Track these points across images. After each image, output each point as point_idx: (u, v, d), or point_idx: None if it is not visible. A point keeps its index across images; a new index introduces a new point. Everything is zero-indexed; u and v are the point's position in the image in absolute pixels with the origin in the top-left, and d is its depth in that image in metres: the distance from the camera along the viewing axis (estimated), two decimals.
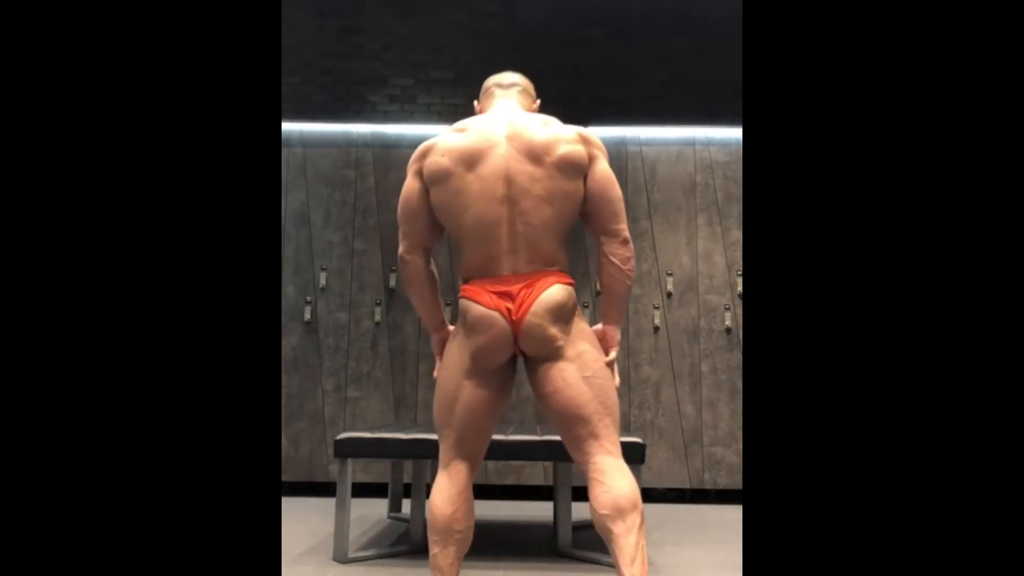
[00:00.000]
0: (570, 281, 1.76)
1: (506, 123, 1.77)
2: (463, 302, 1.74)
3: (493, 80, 1.93)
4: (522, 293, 1.71)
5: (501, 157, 1.73)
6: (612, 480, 1.65)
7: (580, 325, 1.77)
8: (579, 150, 1.75)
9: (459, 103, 5.17)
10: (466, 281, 1.79)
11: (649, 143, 4.95)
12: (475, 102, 1.94)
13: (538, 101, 1.95)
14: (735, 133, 4.96)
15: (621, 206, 1.80)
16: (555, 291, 1.71)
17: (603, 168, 1.79)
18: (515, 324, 1.70)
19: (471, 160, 1.74)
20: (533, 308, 1.69)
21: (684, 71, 5.13)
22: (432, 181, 1.77)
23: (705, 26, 5.16)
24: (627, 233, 1.80)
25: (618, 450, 1.71)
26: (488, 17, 5.23)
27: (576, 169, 1.75)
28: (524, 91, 1.91)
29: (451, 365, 1.77)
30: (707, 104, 5.08)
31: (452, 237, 1.80)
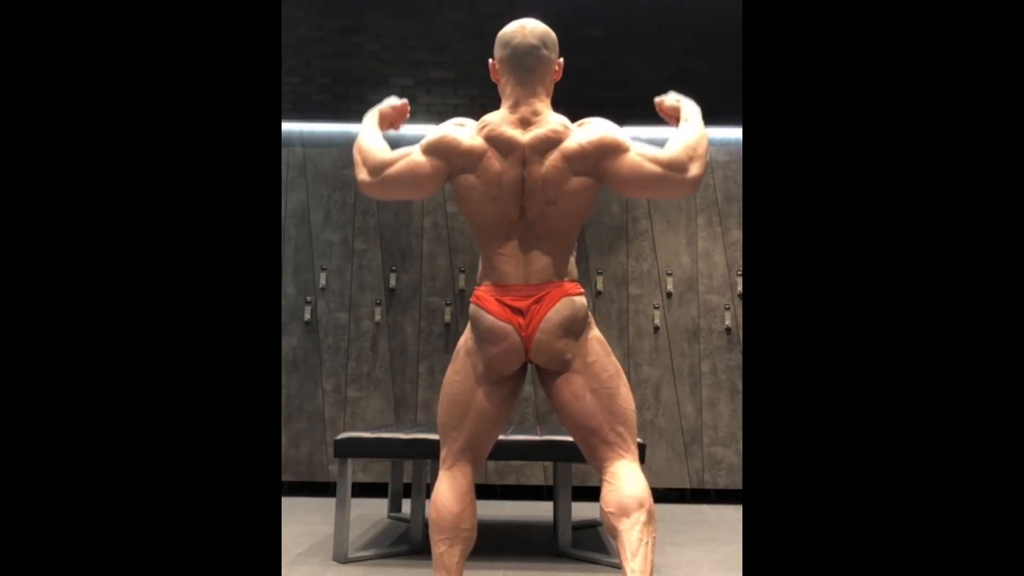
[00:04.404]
0: (580, 291, 1.76)
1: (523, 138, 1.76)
2: (475, 310, 1.75)
3: (512, 51, 1.77)
4: (532, 309, 1.71)
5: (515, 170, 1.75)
6: (620, 481, 1.66)
7: (591, 334, 1.77)
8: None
9: (459, 103, 5.17)
10: (481, 281, 1.79)
11: (649, 143, 4.94)
12: (490, 60, 1.84)
13: (560, 60, 1.83)
14: (735, 133, 4.96)
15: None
16: (564, 306, 1.72)
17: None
18: (526, 340, 1.72)
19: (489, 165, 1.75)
20: (542, 325, 1.70)
21: (684, 71, 5.13)
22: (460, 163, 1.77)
23: (705, 26, 5.16)
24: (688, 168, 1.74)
25: (632, 453, 1.72)
26: (488, 17, 5.23)
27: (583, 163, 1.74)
28: (546, 66, 1.79)
29: (463, 370, 1.77)
30: (707, 104, 5.08)
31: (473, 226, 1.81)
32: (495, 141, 1.74)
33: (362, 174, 1.80)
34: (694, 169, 1.72)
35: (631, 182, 1.74)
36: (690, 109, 1.85)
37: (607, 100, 5.07)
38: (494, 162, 1.74)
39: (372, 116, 1.92)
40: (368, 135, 1.86)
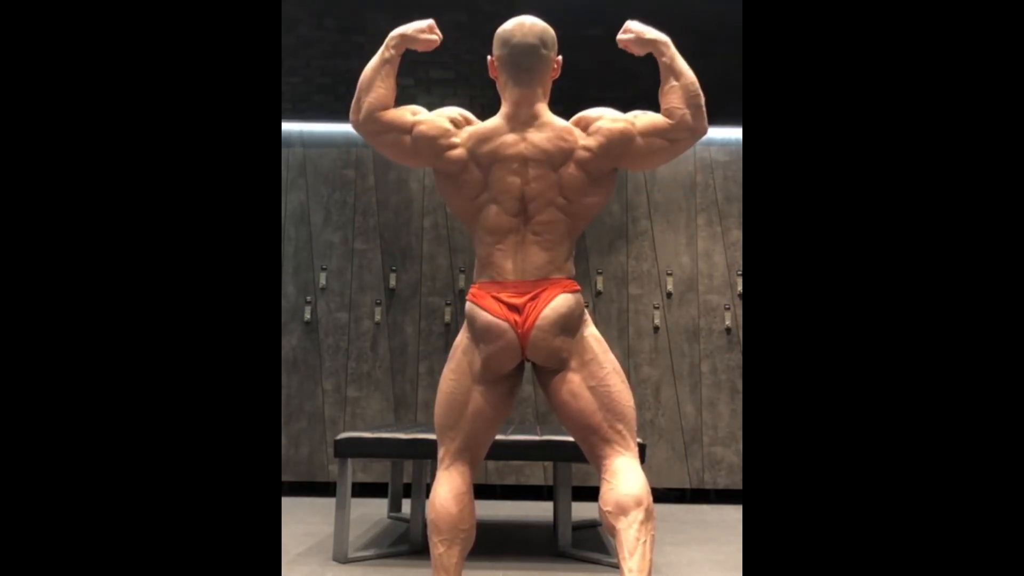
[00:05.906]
0: (576, 288, 1.75)
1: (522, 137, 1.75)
2: (471, 307, 1.74)
3: (511, 50, 1.76)
4: (528, 306, 1.71)
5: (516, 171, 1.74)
6: (618, 479, 1.65)
7: (587, 331, 1.77)
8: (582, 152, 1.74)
9: (459, 103, 5.16)
10: (477, 278, 1.79)
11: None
12: (489, 57, 1.82)
13: (559, 58, 1.82)
14: (735, 133, 4.96)
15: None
16: (560, 302, 1.71)
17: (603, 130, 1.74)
18: (522, 337, 1.71)
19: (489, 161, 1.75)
20: (539, 322, 1.70)
21: None
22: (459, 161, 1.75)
23: (705, 26, 5.16)
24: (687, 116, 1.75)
25: (632, 450, 1.71)
26: (488, 17, 5.22)
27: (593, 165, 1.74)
28: (545, 65, 1.78)
29: (459, 369, 1.76)
30: (707, 104, 5.08)
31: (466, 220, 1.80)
32: (486, 156, 1.74)
33: (356, 113, 1.78)
34: (699, 122, 1.77)
35: (647, 162, 1.80)
36: (669, 53, 1.78)
37: (607, 100, 5.06)
38: (475, 173, 1.74)
39: (394, 37, 1.81)
40: (378, 73, 1.78)
